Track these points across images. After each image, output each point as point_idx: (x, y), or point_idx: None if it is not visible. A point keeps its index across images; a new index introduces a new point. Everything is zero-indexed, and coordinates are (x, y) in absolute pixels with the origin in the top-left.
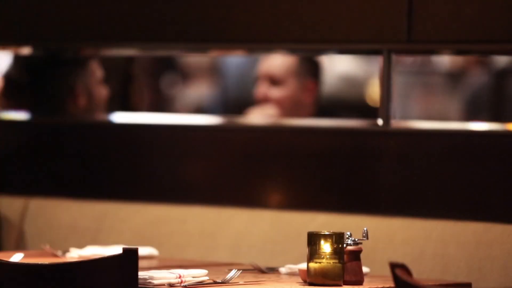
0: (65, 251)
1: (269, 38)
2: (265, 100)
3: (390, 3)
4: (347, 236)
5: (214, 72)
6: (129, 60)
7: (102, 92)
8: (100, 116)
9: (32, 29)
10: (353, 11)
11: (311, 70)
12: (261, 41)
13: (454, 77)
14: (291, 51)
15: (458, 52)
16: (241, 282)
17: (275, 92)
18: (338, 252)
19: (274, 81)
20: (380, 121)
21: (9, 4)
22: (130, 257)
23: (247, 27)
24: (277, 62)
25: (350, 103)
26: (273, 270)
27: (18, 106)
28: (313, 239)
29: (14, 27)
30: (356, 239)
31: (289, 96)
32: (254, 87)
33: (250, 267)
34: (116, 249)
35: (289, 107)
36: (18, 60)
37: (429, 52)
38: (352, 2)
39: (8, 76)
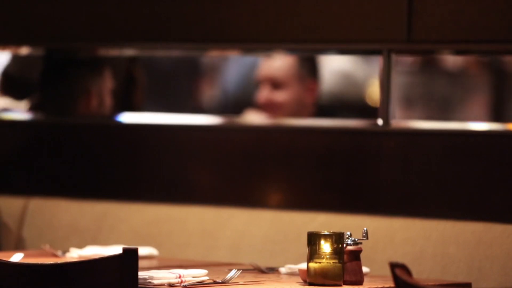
0: (65, 251)
1: (269, 38)
2: (268, 105)
3: (390, 3)
4: (347, 236)
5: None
6: (134, 60)
7: (108, 101)
8: (100, 117)
9: (32, 29)
10: (353, 11)
11: (310, 70)
12: (261, 41)
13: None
14: (291, 51)
15: (458, 52)
16: (241, 282)
17: (279, 96)
18: (338, 252)
19: (276, 84)
20: (380, 121)
21: (11, 4)
22: (130, 257)
23: (247, 27)
24: (278, 64)
25: (350, 103)
26: (273, 270)
27: (23, 106)
28: (313, 239)
29: (15, 27)
30: (356, 239)
31: (292, 99)
32: (255, 90)
33: (250, 267)
34: (116, 249)
35: (292, 110)
36: (23, 60)
37: (429, 52)
38: (352, 2)
39: (10, 76)
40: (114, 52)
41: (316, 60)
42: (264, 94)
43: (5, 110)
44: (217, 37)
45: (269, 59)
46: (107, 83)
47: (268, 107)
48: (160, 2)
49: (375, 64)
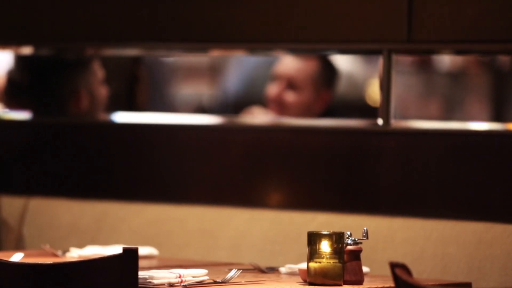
0: (65, 251)
1: (269, 38)
2: (277, 101)
3: (390, 3)
4: (347, 236)
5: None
6: (135, 60)
7: (103, 92)
8: (100, 116)
9: (34, 29)
10: (353, 11)
11: (329, 79)
12: (261, 41)
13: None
14: (291, 51)
15: (458, 52)
16: (241, 282)
17: (291, 96)
18: (338, 252)
19: (292, 84)
20: (380, 121)
21: (11, 4)
22: (130, 257)
23: (247, 27)
24: (299, 66)
25: (350, 103)
26: (273, 270)
27: (20, 106)
28: (313, 239)
29: (16, 27)
30: (356, 239)
31: (302, 103)
32: (266, 85)
33: (250, 267)
34: (116, 249)
35: (298, 112)
36: (20, 60)
37: (429, 52)
38: (352, 2)
39: (10, 76)
40: (115, 52)
41: (336, 69)
42: (276, 90)
43: (5, 109)
44: (217, 37)
45: (291, 57)
46: (105, 83)
47: (276, 104)
48: (160, 2)
49: (375, 64)
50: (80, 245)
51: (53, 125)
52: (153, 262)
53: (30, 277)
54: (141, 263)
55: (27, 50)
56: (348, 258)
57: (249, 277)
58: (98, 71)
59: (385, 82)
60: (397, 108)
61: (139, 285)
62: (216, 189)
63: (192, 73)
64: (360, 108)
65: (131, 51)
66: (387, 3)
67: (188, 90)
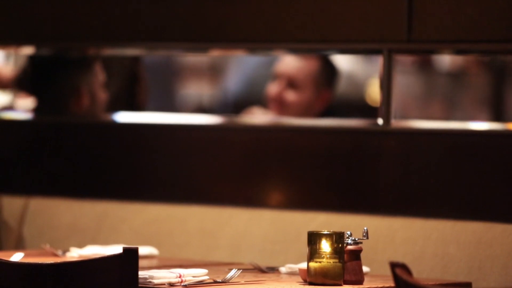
0: (65, 250)
1: (269, 38)
2: (277, 100)
3: (390, 3)
4: (347, 235)
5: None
6: (135, 60)
7: (102, 96)
8: (100, 116)
9: (34, 28)
10: (353, 11)
11: (329, 79)
12: (261, 41)
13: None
14: (291, 51)
15: (458, 52)
16: (241, 282)
17: (291, 95)
18: (338, 251)
19: (292, 83)
20: (380, 121)
21: (11, 4)
22: (130, 257)
23: (247, 26)
24: (299, 65)
25: (350, 102)
26: (273, 270)
27: (29, 106)
28: (313, 238)
29: (17, 27)
30: (356, 239)
31: (302, 102)
32: (266, 85)
33: (250, 267)
34: (116, 249)
35: (299, 112)
36: (21, 60)
37: (429, 52)
38: (352, 2)
39: (24, 75)
40: (116, 52)
41: (337, 70)
42: (277, 88)
43: (6, 109)
44: (217, 37)
45: (292, 56)
46: (105, 87)
47: (277, 103)
48: (160, 2)
49: (375, 64)
50: (80, 245)
51: (53, 125)
52: (153, 262)
53: (30, 277)
54: (141, 263)
55: (28, 50)
56: (348, 258)
57: (249, 277)
58: (100, 74)
59: (385, 82)
60: (397, 108)
61: (139, 285)
62: (216, 189)
63: (193, 73)
64: (360, 108)
65: (131, 51)
66: (387, 3)
67: (189, 90)
